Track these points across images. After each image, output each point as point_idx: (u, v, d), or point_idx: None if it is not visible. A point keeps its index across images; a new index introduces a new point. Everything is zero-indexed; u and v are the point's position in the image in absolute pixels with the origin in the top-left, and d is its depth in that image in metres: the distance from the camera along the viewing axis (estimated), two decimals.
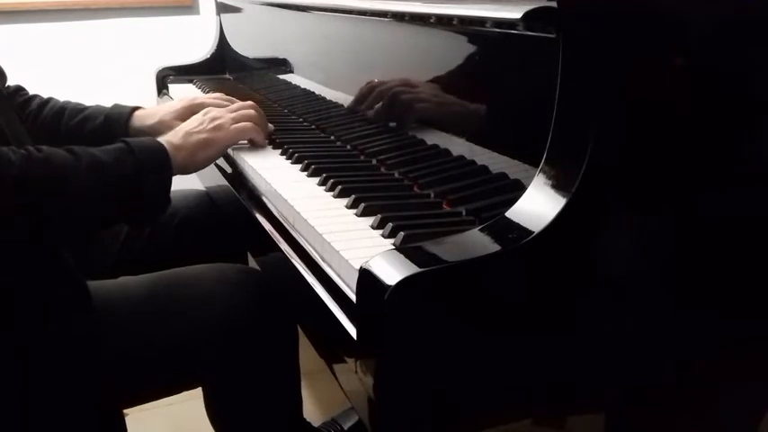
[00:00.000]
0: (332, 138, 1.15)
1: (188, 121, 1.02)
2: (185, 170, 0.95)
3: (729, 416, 0.77)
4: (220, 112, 1.04)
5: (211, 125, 1.00)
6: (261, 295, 0.94)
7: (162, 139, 0.92)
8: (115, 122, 1.16)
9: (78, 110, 1.17)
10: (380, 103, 1.01)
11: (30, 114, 1.16)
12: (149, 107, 1.22)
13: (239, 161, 1.08)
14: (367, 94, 1.05)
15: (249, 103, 1.11)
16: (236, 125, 1.03)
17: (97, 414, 0.87)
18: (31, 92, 1.22)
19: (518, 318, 0.60)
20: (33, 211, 0.77)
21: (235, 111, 1.06)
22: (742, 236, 0.68)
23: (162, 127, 1.14)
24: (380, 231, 0.74)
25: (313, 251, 0.77)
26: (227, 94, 1.24)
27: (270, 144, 1.13)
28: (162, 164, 0.88)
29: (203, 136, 0.97)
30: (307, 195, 0.88)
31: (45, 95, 1.22)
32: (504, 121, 0.77)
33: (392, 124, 1.00)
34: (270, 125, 1.15)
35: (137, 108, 1.19)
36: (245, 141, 1.10)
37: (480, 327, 0.58)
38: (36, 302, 0.81)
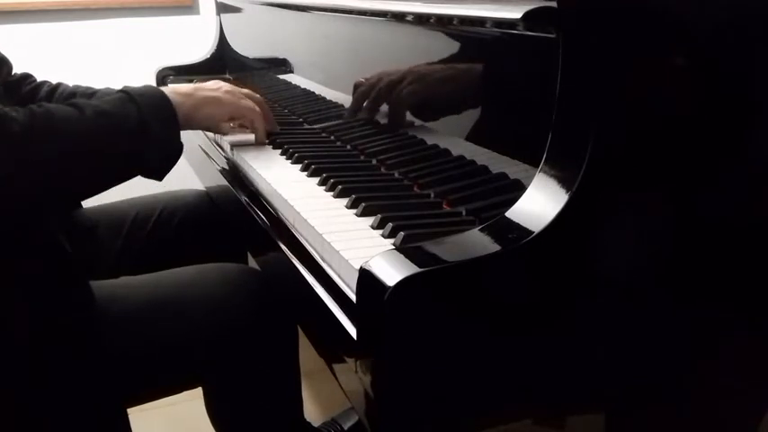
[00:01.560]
0: (332, 138, 1.15)
1: (198, 83, 1.02)
2: (188, 121, 0.95)
3: (729, 416, 0.77)
4: (233, 87, 1.05)
5: (223, 89, 1.01)
6: (261, 295, 0.94)
7: (164, 89, 0.92)
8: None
9: (90, 92, 1.16)
10: (378, 103, 1.01)
11: (41, 101, 1.15)
12: None
13: (239, 161, 1.08)
14: (365, 94, 1.05)
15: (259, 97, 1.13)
16: (248, 101, 1.05)
17: (100, 413, 0.87)
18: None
19: (518, 318, 0.60)
20: (40, 166, 0.76)
21: (246, 93, 1.07)
22: (742, 236, 0.68)
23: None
24: (380, 231, 0.74)
25: (313, 251, 0.77)
26: None
27: (270, 144, 1.13)
28: (165, 111, 0.88)
29: (213, 94, 0.98)
30: (307, 195, 0.88)
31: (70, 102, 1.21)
32: (504, 121, 0.77)
33: (392, 124, 1.00)
34: (277, 125, 1.16)
35: None
36: (244, 140, 1.09)
37: (480, 327, 0.58)
38: (38, 301, 0.81)
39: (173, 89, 0.95)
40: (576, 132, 0.60)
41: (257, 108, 1.07)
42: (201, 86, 0.99)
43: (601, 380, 0.66)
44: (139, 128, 0.83)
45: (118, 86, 0.92)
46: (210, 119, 0.98)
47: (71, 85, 1.20)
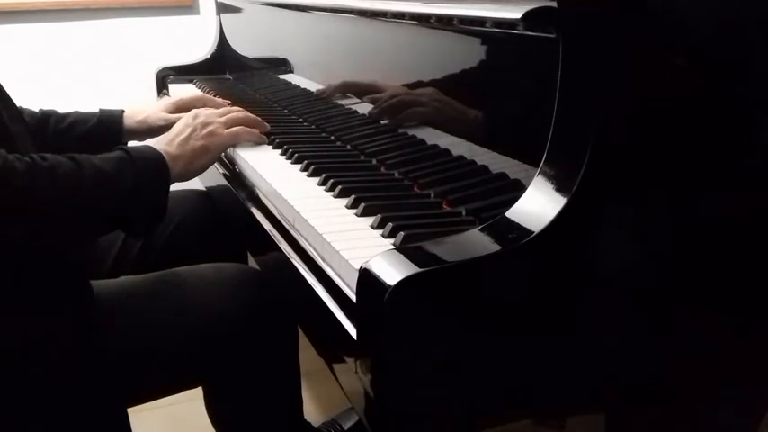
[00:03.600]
0: (332, 138, 1.15)
1: (177, 126, 1.01)
2: (182, 178, 0.96)
3: (729, 416, 0.77)
4: (210, 117, 1.04)
5: (204, 131, 1.00)
6: (261, 295, 0.94)
7: (159, 148, 0.91)
8: (109, 122, 1.17)
9: (63, 115, 1.16)
10: (381, 104, 1.01)
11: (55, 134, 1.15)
12: (135, 107, 1.23)
13: (239, 161, 1.08)
14: (368, 95, 1.05)
15: (236, 108, 1.12)
16: (229, 130, 1.04)
17: (100, 413, 0.87)
18: (33, 91, 1.21)
19: (518, 318, 0.60)
20: (33, 221, 0.77)
21: (224, 115, 1.07)
22: (742, 236, 0.68)
23: (151, 120, 1.17)
24: (380, 231, 0.74)
25: (313, 251, 0.77)
26: (227, 95, 1.25)
27: (270, 144, 1.13)
28: (160, 175, 0.88)
29: (199, 143, 0.97)
30: (307, 195, 0.88)
31: (41, 96, 1.21)
32: (504, 121, 0.77)
33: (392, 124, 1.00)
34: (266, 124, 1.15)
35: (122, 111, 1.20)
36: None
37: (480, 326, 0.58)
38: (38, 301, 0.81)
39: (167, 144, 0.95)
40: (575, 132, 0.60)
41: (241, 127, 1.07)
42: (185, 138, 0.97)
43: (601, 380, 0.66)
44: (133, 194, 0.84)
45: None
46: (203, 168, 0.99)
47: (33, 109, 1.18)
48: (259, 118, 1.14)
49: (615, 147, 0.61)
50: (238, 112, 1.10)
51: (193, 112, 1.05)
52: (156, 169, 0.88)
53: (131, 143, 1.01)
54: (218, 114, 1.06)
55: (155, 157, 0.89)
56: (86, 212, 0.82)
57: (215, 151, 1.00)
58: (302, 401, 1.08)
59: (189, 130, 0.99)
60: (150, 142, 0.96)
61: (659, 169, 0.63)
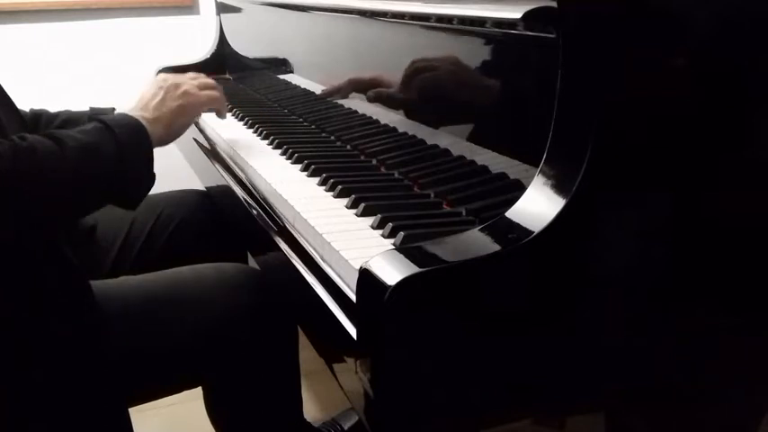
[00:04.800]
0: (332, 138, 1.15)
1: (147, 92, 1.00)
2: (164, 141, 0.95)
3: (730, 415, 0.77)
4: (179, 78, 1.03)
5: (178, 91, 0.99)
6: (261, 295, 0.94)
7: (135, 114, 0.90)
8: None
9: (54, 114, 1.15)
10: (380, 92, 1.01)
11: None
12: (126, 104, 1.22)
13: (239, 161, 1.08)
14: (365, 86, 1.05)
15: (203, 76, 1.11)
16: (205, 92, 1.04)
17: (101, 413, 0.87)
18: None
19: (518, 318, 0.60)
20: (20, 204, 0.76)
21: (194, 78, 1.06)
22: (743, 236, 0.68)
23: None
24: (380, 231, 0.74)
25: (313, 251, 0.77)
26: (227, 95, 1.24)
27: (270, 144, 1.14)
28: (140, 140, 0.87)
29: (176, 103, 0.97)
30: (307, 195, 0.88)
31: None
32: (504, 121, 0.77)
33: (392, 124, 1.00)
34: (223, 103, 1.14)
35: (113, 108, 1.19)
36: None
37: (480, 326, 0.58)
38: (39, 301, 0.81)
39: (141, 109, 0.94)
40: (575, 132, 0.60)
41: (216, 94, 1.07)
42: (159, 101, 0.97)
43: (601, 380, 0.66)
44: (117, 162, 0.83)
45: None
46: (183, 128, 0.98)
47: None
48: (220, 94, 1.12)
49: (615, 147, 0.61)
50: (210, 79, 1.09)
51: (161, 76, 1.03)
52: (136, 134, 0.87)
53: None
54: (188, 77, 1.05)
55: (132, 123, 0.88)
56: (73, 186, 0.81)
57: (192, 111, 1.00)
58: (302, 401, 1.07)
59: (162, 93, 0.98)
60: (123, 110, 0.95)
61: (659, 169, 0.63)
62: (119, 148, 0.83)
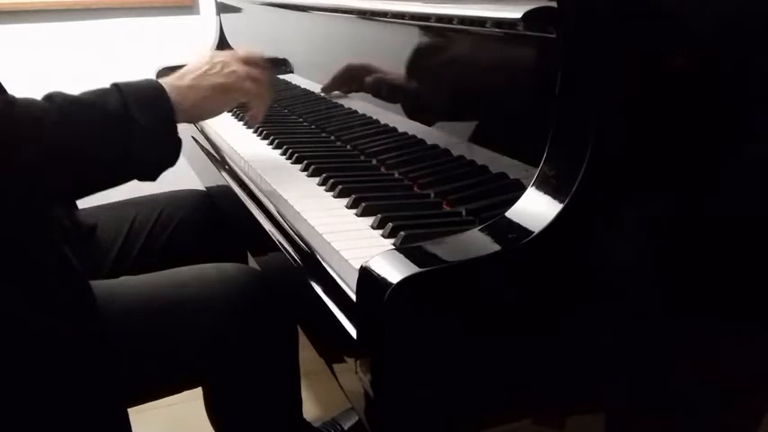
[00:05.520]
0: (332, 138, 1.15)
1: (193, 62, 0.91)
2: (194, 116, 0.87)
3: (729, 415, 0.77)
4: (230, 57, 0.93)
5: (225, 70, 0.89)
6: (261, 295, 0.94)
7: (165, 81, 0.83)
8: None
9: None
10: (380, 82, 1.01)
11: None
12: None
13: (238, 160, 1.08)
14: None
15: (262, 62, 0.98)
16: (252, 83, 0.93)
17: (100, 413, 0.87)
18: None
19: (518, 318, 0.60)
20: (6, 164, 0.71)
21: (247, 64, 0.94)
22: (743, 236, 0.68)
23: None
24: (380, 231, 0.74)
25: (313, 251, 0.77)
26: None
27: (270, 144, 1.13)
28: (155, 100, 0.79)
29: (220, 80, 0.88)
30: (307, 195, 0.88)
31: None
32: (504, 120, 0.77)
33: (392, 124, 1.00)
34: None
35: None
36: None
37: (480, 327, 0.58)
38: (39, 301, 0.81)
39: (177, 78, 0.87)
40: (576, 132, 0.60)
41: (262, 91, 0.96)
42: (200, 73, 0.88)
43: (601, 380, 0.66)
44: (121, 120, 0.74)
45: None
46: (219, 108, 0.89)
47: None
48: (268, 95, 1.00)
49: (615, 147, 0.61)
50: (264, 75, 0.95)
51: (210, 52, 0.94)
52: (151, 94, 0.79)
53: None
54: (241, 61, 0.93)
55: (150, 85, 0.80)
56: (64, 144, 0.73)
57: (234, 94, 0.90)
58: (302, 401, 1.08)
59: (206, 67, 0.89)
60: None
61: (659, 169, 0.63)
62: (124, 105, 0.75)
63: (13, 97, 0.73)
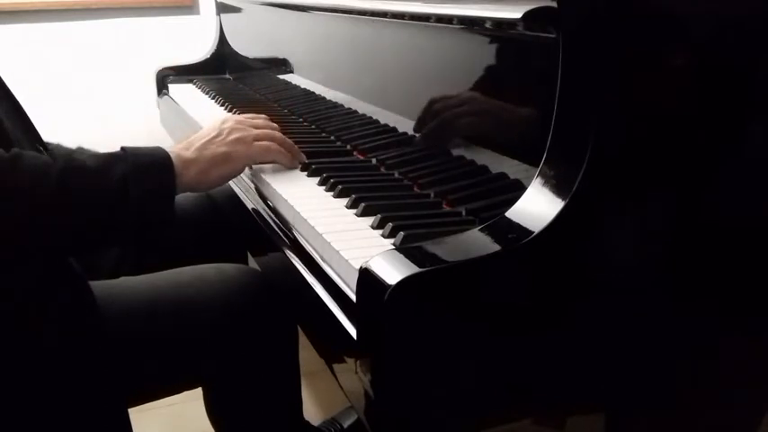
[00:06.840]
0: (332, 138, 1.15)
1: (202, 131, 0.92)
2: (197, 187, 0.88)
3: (730, 416, 0.77)
4: (240, 123, 0.94)
5: (231, 137, 0.89)
6: (261, 295, 0.94)
7: (173, 151, 0.84)
8: None
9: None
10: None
11: None
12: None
13: None
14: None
15: (272, 124, 1.01)
16: (260, 143, 0.93)
17: (100, 413, 0.87)
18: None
19: (518, 318, 0.60)
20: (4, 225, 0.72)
21: (256, 126, 0.96)
22: (742, 235, 0.68)
23: None
24: (380, 231, 0.74)
25: (313, 251, 0.77)
26: (227, 95, 1.24)
27: None
28: (159, 175, 0.79)
29: (222, 149, 0.88)
30: (306, 195, 0.88)
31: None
32: (504, 121, 0.77)
33: (392, 124, 1.00)
34: (303, 155, 1.01)
35: None
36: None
37: (480, 327, 0.58)
38: (39, 302, 0.81)
39: (184, 147, 0.86)
40: (575, 132, 0.60)
41: (271, 146, 0.95)
42: (205, 142, 0.88)
43: (601, 380, 0.66)
44: (118, 193, 0.75)
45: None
46: (223, 179, 0.89)
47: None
48: (296, 147, 1.01)
49: (615, 147, 0.61)
50: (275, 131, 0.97)
51: (223, 116, 0.95)
52: (155, 163, 0.80)
53: None
54: (250, 124, 0.95)
55: (156, 153, 0.81)
56: (58, 204, 0.74)
57: (238, 162, 0.89)
58: (302, 401, 1.08)
59: (213, 134, 0.89)
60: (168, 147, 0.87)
61: (659, 169, 0.63)
62: (125, 171, 0.76)
63: (19, 151, 0.74)
